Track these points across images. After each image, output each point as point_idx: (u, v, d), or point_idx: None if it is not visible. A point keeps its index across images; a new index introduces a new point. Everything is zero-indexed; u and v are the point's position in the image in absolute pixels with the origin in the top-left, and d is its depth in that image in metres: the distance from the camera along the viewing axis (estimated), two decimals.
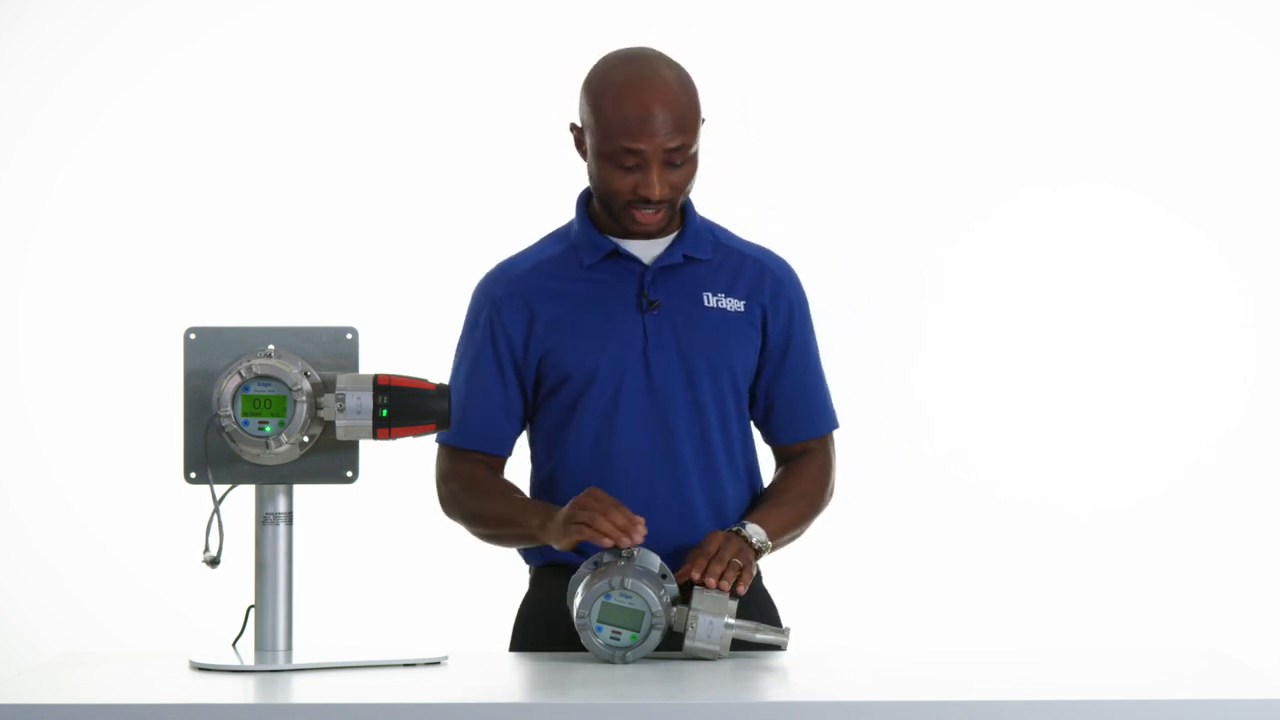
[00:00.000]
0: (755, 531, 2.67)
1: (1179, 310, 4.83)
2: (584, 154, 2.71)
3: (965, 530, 4.81)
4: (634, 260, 2.74)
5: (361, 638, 3.03)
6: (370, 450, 2.60)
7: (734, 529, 2.67)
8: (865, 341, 4.78)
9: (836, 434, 2.86)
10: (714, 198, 3.04)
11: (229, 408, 2.49)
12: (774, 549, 2.71)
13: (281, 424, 2.50)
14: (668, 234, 2.75)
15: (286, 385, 2.50)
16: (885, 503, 4.79)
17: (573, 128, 2.73)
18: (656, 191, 2.64)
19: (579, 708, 2.24)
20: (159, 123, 4.81)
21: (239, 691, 2.34)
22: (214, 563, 2.51)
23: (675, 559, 2.63)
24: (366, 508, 4.44)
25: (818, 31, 4.83)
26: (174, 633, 4.48)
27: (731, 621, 2.53)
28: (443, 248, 4.66)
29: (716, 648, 2.53)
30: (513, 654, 2.69)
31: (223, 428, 2.49)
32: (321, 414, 2.50)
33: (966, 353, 4.84)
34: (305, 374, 2.50)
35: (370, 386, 2.48)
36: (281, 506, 2.55)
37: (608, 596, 2.51)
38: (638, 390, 2.71)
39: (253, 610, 2.56)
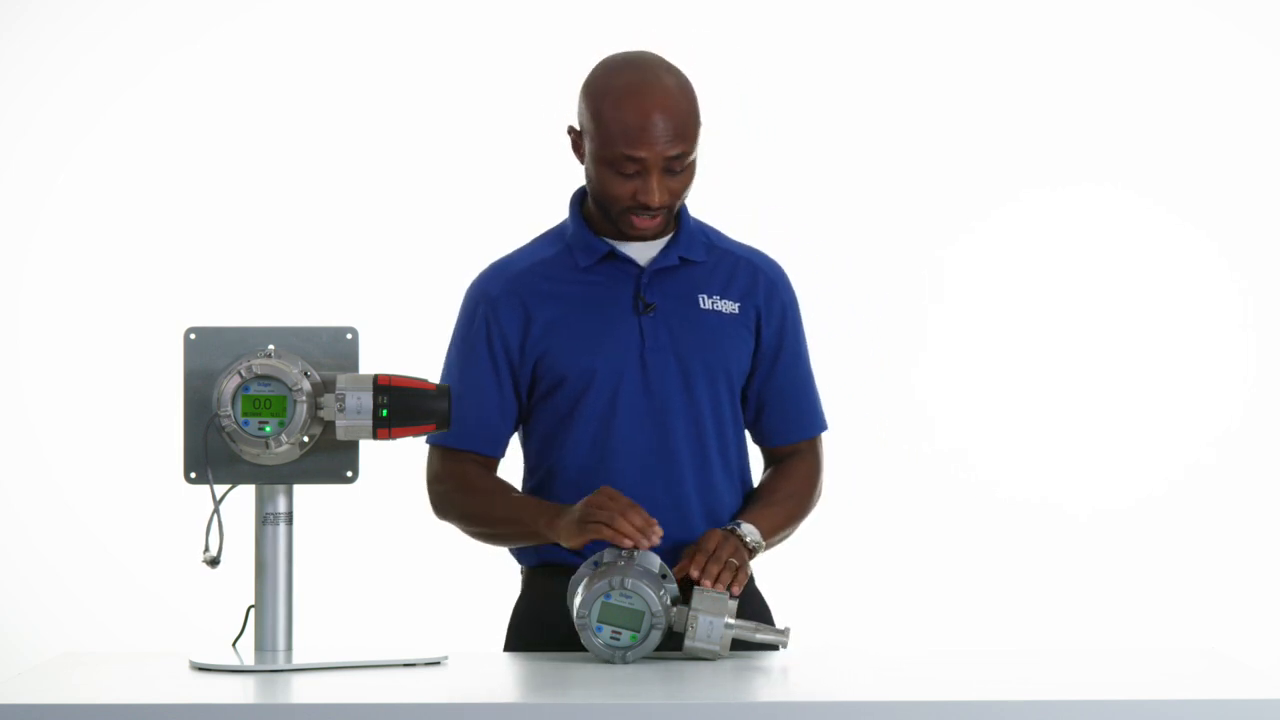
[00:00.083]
0: (750, 531, 2.68)
1: (1179, 310, 4.83)
2: (581, 157, 2.71)
3: (965, 530, 4.81)
4: (630, 262, 2.74)
5: (361, 638, 3.03)
6: (370, 450, 2.60)
7: (729, 528, 2.67)
8: (865, 341, 4.78)
9: (830, 434, 2.87)
10: (714, 198, 3.04)
11: (229, 408, 2.49)
12: (765, 549, 2.72)
13: (281, 424, 2.50)
14: (662, 236, 2.75)
15: (286, 385, 2.50)
16: (885, 503, 4.79)
17: (570, 131, 2.72)
18: (656, 198, 2.65)
19: (579, 708, 2.24)
20: (159, 123, 4.81)
21: (239, 691, 2.34)
22: (214, 563, 2.51)
23: (671, 559, 2.63)
24: (366, 508, 4.44)
25: (818, 32, 4.83)
26: (174, 633, 4.48)
27: (731, 621, 2.54)
28: (442, 248, 4.66)
29: (716, 648, 2.53)
30: (513, 654, 2.69)
31: (223, 428, 2.49)
32: (321, 414, 2.50)
33: (966, 353, 4.84)
34: (305, 374, 2.50)
35: (370, 386, 2.48)
36: (281, 506, 2.55)
37: (608, 596, 2.51)
38: (635, 392, 2.71)
39: (253, 610, 2.56)
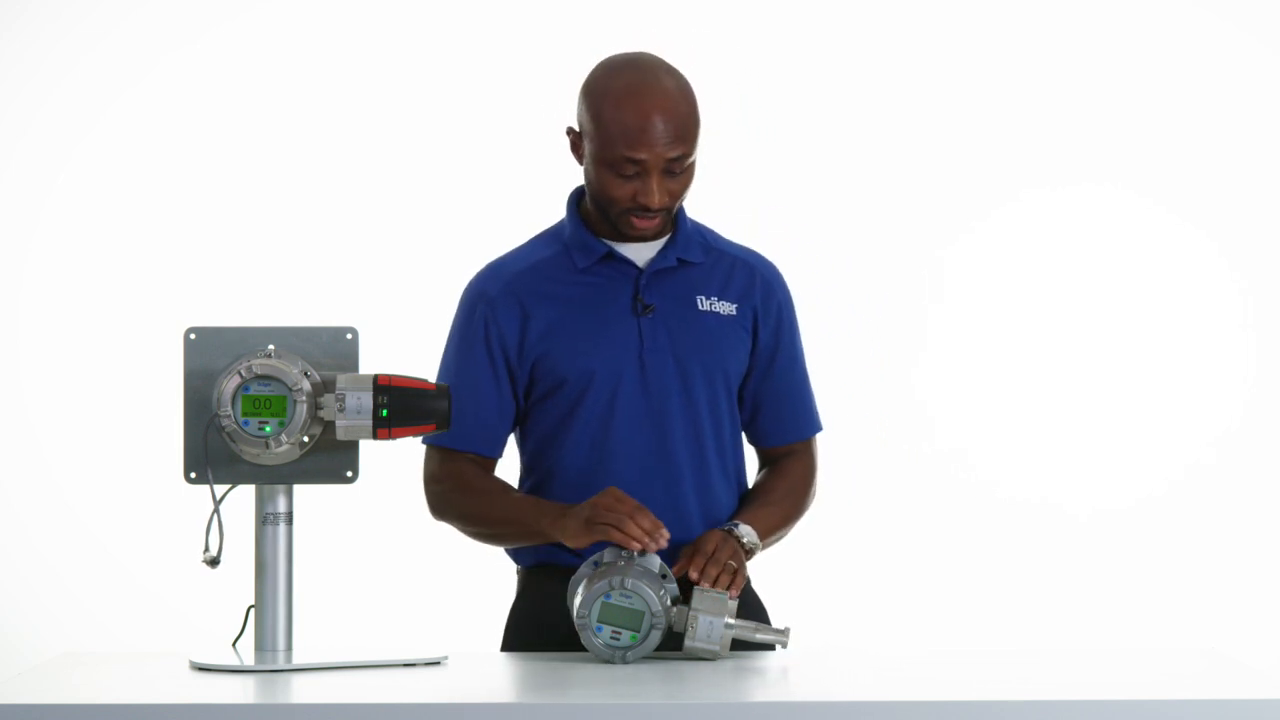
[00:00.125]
0: (747, 532, 2.68)
1: (1179, 310, 4.83)
2: (580, 158, 2.71)
3: (965, 530, 4.81)
4: (628, 263, 2.74)
5: (361, 638, 3.03)
6: (370, 450, 2.60)
7: (727, 529, 2.67)
8: (865, 341, 4.78)
9: (830, 434, 2.87)
10: (714, 199, 3.04)
11: (229, 408, 2.49)
12: (761, 549, 2.72)
13: (281, 424, 2.50)
14: (661, 237, 2.75)
15: (286, 385, 2.50)
16: (885, 503, 4.79)
17: (570, 132, 2.72)
18: (656, 200, 2.64)
19: (579, 708, 2.24)
20: (159, 123, 4.81)
21: (239, 691, 2.34)
22: (214, 563, 2.51)
23: (669, 561, 2.63)
24: (366, 508, 4.44)
25: (817, 32, 4.82)
26: (174, 633, 4.48)
27: (731, 621, 2.54)
28: (441, 248, 4.66)
29: (716, 648, 2.53)
30: (513, 654, 2.69)
31: (223, 428, 2.49)
32: (321, 414, 2.50)
33: (966, 353, 4.84)
34: (305, 374, 2.50)
35: (370, 386, 2.48)
36: (281, 506, 2.55)
37: (608, 596, 2.51)
38: (634, 394, 2.71)
39: (253, 610, 2.56)
